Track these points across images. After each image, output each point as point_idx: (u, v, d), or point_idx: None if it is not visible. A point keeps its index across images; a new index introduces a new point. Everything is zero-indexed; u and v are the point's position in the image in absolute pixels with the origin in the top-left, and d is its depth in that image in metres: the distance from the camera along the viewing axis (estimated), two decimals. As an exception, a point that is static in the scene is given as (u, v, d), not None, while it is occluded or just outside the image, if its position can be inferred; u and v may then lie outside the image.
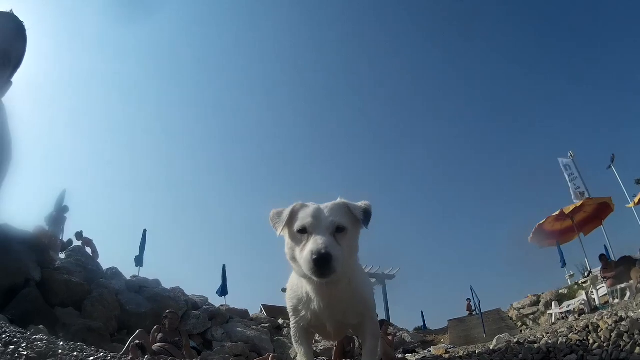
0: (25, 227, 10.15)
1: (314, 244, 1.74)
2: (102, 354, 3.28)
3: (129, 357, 3.55)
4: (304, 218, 1.89)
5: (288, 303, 2.31)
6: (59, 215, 13.16)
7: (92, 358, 2.86)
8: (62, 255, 11.41)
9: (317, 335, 2.78)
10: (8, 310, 6.90)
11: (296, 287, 2.21)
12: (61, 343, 3.42)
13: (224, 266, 18.49)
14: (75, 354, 2.93)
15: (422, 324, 23.98)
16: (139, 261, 15.56)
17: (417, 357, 5.21)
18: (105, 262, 12.90)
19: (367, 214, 1.93)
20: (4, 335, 3.16)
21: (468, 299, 19.36)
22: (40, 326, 6.07)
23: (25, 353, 2.60)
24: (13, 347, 2.73)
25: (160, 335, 6.00)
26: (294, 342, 2.38)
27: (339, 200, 2.02)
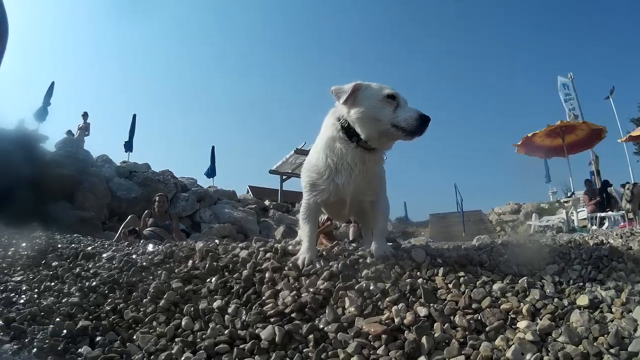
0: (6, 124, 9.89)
1: (415, 110, 2.00)
2: (98, 242, 3.57)
3: (126, 243, 3.77)
4: (387, 89, 2.08)
5: (305, 179, 2.31)
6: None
7: (90, 248, 3.06)
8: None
9: None
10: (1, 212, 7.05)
11: (318, 161, 2.22)
12: (58, 237, 3.68)
13: (212, 147, 18.68)
14: (73, 245, 3.15)
15: (404, 214, 24.45)
16: (128, 146, 15.83)
17: (403, 245, 5.61)
18: (95, 149, 13.02)
19: None
20: (2, 239, 3.38)
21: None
22: (34, 225, 6.31)
23: (25, 253, 2.85)
24: (13, 248, 2.97)
25: (151, 220, 6.20)
26: (300, 219, 2.37)
27: None
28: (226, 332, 1.69)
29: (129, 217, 6.41)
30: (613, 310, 1.62)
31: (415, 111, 1.98)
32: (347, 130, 2.12)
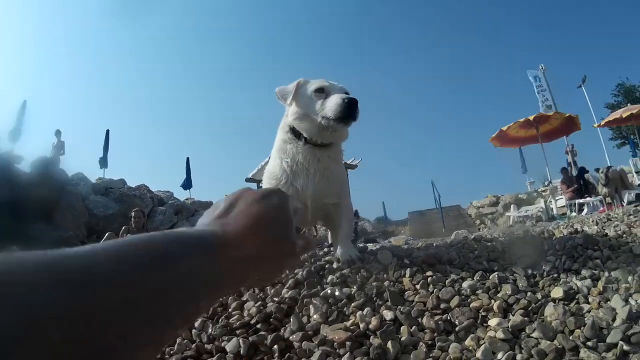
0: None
1: (339, 96, 1.94)
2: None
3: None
4: (318, 82, 2.05)
5: (265, 186, 2.20)
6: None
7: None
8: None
9: None
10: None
11: (275, 167, 2.18)
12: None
13: (187, 159, 18.47)
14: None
15: (383, 214, 24.78)
16: (103, 162, 15.51)
17: (377, 246, 5.68)
18: (70, 167, 12.71)
19: None
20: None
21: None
22: (14, 247, 6.18)
23: None
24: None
25: (128, 236, 6.13)
26: None
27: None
28: (193, 346, 1.60)
29: (107, 234, 6.32)
30: (590, 300, 1.55)
31: (339, 97, 1.93)
32: (295, 130, 2.10)
